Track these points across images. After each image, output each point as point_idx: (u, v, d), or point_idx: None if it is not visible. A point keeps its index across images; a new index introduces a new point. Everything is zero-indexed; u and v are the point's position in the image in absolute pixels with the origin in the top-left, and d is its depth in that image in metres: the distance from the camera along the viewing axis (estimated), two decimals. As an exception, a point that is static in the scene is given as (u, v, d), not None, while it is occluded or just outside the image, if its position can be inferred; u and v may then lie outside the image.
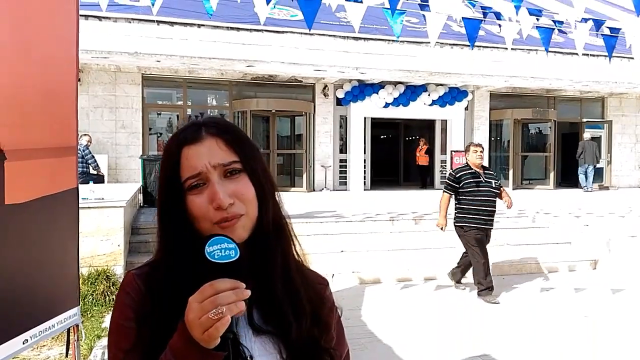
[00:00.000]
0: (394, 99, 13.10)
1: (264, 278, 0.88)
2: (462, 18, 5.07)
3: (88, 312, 4.83)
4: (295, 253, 0.95)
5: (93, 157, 9.47)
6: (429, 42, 11.25)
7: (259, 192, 0.87)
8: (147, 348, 0.82)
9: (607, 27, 6.94)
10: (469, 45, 11.04)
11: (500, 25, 5.33)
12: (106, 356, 3.89)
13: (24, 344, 2.46)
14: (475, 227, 5.50)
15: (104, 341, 4.21)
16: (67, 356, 3.30)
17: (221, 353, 0.75)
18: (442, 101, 13.47)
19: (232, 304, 0.72)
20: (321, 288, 0.99)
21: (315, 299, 0.94)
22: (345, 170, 13.60)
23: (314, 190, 13.10)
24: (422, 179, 15.14)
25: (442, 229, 5.77)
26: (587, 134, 14.48)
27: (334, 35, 10.96)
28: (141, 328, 0.84)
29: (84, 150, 9.13)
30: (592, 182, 14.16)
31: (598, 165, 14.79)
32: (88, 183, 8.26)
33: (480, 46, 11.63)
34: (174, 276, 0.85)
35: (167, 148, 0.89)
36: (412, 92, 13.20)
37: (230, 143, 0.87)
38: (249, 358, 0.82)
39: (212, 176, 0.84)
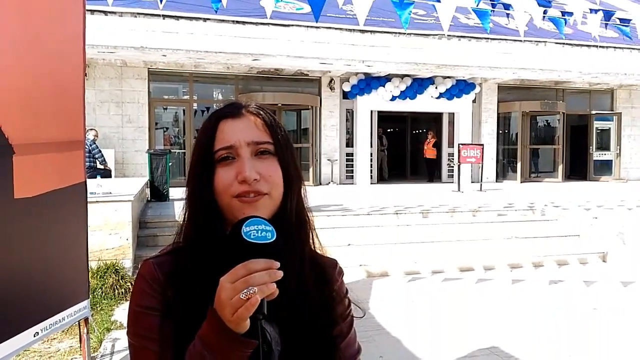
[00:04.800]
0: (401, 92, 13.03)
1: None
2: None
3: (97, 306, 4.85)
4: (312, 247, 0.94)
5: (100, 151, 9.52)
6: (437, 35, 11.19)
7: (287, 178, 0.87)
8: (174, 340, 0.80)
9: (618, 18, 6.86)
10: (477, 37, 10.90)
11: (508, 15, 5.28)
12: (116, 349, 3.93)
13: (34, 336, 2.49)
14: None
15: (114, 334, 4.24)
16: (80, 349, 3.32)
17: (254, 341, 0.73)
18: (449, 94, 13.38)
19: (264, 285, 0.70)
20: (329, 271, 0.98)
21: (322, 285, 0.92)
22: (352, 164, 13.58)
23: (320, 184, 13.09)
24: (430, 172, 15.07)
25: None
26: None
27: (340, 28, 10.90)
28: (166, 319, 0.82)
29: (91, 145, 9.17)
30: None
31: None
32: (95, 177, 8.30)
33: (488, 38, 11.53)
34: (202, 260, 0.83)
35: (206, 122, 0.90)
36: (419, 85, 13.12)
37: (268, 125, 0.88)
38: (272, 342, 0.81)
39: (243, 152, 0.85)
